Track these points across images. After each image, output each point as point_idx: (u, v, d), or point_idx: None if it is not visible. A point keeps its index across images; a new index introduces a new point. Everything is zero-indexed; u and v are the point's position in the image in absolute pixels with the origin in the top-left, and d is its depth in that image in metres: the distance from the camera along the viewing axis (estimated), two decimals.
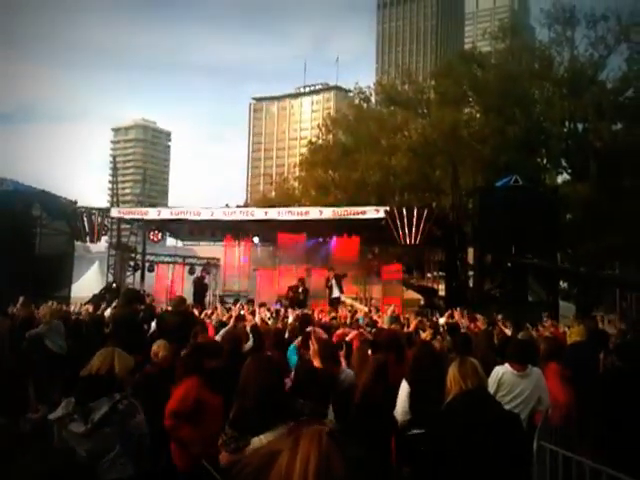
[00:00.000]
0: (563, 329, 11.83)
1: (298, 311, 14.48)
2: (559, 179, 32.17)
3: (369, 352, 6.91)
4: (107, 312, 11.42)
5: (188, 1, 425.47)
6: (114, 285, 19.54)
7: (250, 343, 8.08)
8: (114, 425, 3.80)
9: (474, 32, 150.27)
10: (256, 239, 25.45)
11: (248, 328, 8.90)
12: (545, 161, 31.77)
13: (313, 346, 5.45)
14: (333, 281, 21.32)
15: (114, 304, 11.66)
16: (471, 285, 21.36)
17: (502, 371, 6.18)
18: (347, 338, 8.03)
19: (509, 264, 19.04)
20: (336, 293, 21.02)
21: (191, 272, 26.19)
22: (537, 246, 19.55)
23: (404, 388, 5.62)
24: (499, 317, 12.05)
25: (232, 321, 9.25)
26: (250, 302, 18.69)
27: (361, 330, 8.62)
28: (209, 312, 14.03)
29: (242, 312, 11.51)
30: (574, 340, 8.96)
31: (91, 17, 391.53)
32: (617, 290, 25.64)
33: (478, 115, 32.57)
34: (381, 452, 5.22)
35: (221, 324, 9.97)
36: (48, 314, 9.20)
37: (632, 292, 24.29)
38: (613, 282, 24.82)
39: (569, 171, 30.95)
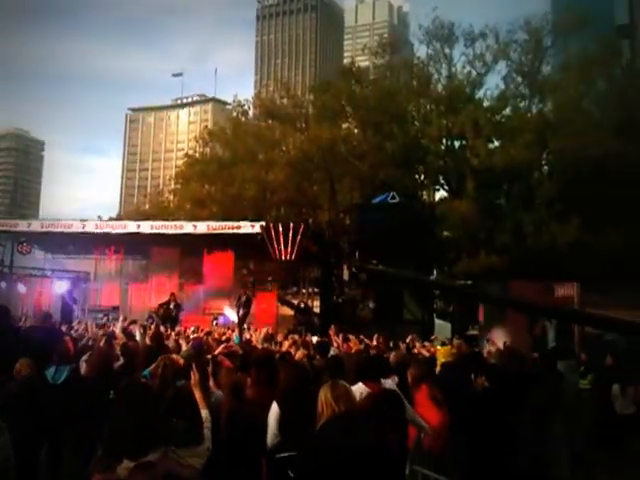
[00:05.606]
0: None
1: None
2: (437, 196, 32.58)
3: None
4: None
5: (68, 12, 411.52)
6: None
7: (120, 361, 7.83)
8: None
9: (353, 46, 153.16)
10: None
11: (117, 347, 8.67)
12: (423, 178, 31.98)
13: (195, 376, 5.10)
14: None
15: None
16: (346, 302, 21.23)
17: (359, 392, 5.71)
18: (216, 352, 7.80)
19: (383, 278, 18.73)
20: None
21: (59, 286, 24.47)
22: (413, 263, 19.43)
23: (274, 410, 5.46)
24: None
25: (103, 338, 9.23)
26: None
27: (230, 344, 8.64)
28: (76, 327, 13.91)
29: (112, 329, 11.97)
30: (443, 361, 9.14)
31: None
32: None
33: (356, 131, 32.53)
34: (251, 474, 5.21)
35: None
36: None
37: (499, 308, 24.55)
38: (482, 298, 24.92)
39: (446, 188, 31.20)
